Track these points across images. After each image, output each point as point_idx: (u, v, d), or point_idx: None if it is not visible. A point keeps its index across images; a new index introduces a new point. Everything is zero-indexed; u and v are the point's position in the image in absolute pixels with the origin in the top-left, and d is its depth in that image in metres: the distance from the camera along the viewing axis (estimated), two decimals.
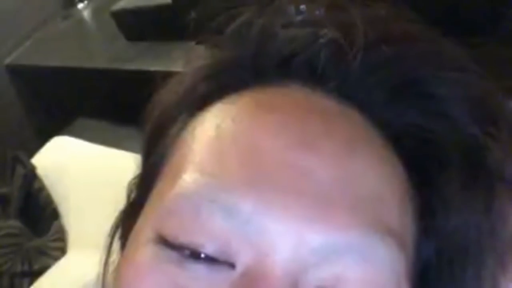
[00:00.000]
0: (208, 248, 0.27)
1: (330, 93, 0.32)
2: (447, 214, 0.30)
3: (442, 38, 0.33)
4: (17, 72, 2.20)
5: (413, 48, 0.32)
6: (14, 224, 1.20)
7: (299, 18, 0.34)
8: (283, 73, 0.33)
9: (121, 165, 1.24)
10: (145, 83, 1.25)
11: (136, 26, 1.40)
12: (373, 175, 0.29)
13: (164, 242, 0.28)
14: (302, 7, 0.34)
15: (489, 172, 0.30)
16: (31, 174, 1.24)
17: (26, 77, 2.18)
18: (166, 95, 0.39)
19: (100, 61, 1.61)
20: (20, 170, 1.24)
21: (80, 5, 2.32)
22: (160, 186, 0.33)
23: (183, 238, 0.28)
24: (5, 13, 2.25)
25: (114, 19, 1.49)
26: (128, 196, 0.41)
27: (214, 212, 0.27)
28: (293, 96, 0.32)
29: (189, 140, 0.33)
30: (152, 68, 1.26)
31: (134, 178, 0.41)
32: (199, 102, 0.35)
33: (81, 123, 1.49)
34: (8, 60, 2.22)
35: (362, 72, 0.31)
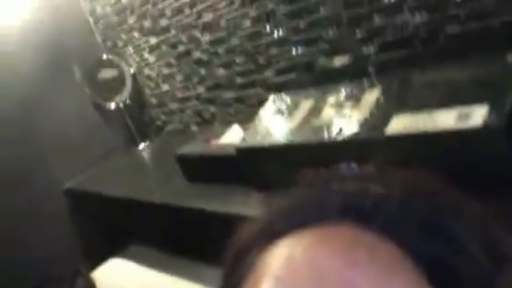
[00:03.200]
0: None
1: (375, 230, 0.42)
2: None
3: (461, 192, 0.44)
4: (75, 197, 2.38)
5: (437, 200, 0.43)
6: None
7: (351, 175, 0.47)
8: (339, 215, 0.44)
9: (168, 286, 1.36)
10: (201, 221, 1.42)
11: (199, 170, 1.57)
12: None
13: None
14: (354, 166, 0.49)
15: None
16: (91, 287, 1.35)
17: (84, 203, 2.34)
18: (244, 232, 0.50)
19: (157, 196, 1.75)
20: (80, 283, 1.35)
21: (141, 145, 2.54)
22: None
23: None
24: (71, 142, 2.50)
25: (178, 162, 1.67)
26: None
27: None
28: (346, 232, 0.42)
29: (268, 260, 0.43)
30: (209, 208, 1.41)
31: None
32: (274, 234, 0.45)
33: (134, 249, 1.61)
34: (67, 185, 2.41)
35: (400, 217, 0.42)
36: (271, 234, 0.45)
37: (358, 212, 0.42)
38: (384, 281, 0.38)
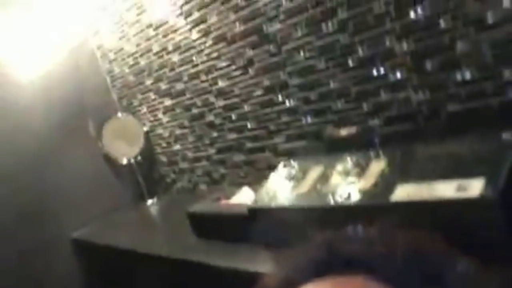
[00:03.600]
0: None
1: (381, 281, 0.48)
2: None
3: (456, 252, 0.51)
4: (81, 247, 2.44)
5: (434, 255, 0.50)
6: None
7: (356, 235, 0.54)
8: (345, 268, 0.50)
9: None
10: (208, 276, 1.48)
11: (210, 228, 1.64)
12: None
13: None
14: (360, 228, 0.56)
15: None
16: None
17: (90, 253, 2.40)
18: (268, 283, 0.56)
19: (166, 251, 1.82)
20: None
21: (150, 201, 2.62)
22: None
23: None
24: (82, 194, 2.58)
25: (189, 219, 1.74)
26: None
27: None
28: (357, 280, 0.49)
29: None
30: (217, 263, 1.47)
31: None
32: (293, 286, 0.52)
33: None
34: (75, 234, 2.48)
35: (403, 270, 0.48)
36: (291, 286, 0.51)
37: (366, 265, 0.48)
38: None
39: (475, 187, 0.92)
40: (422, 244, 0.51)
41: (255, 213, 1.38)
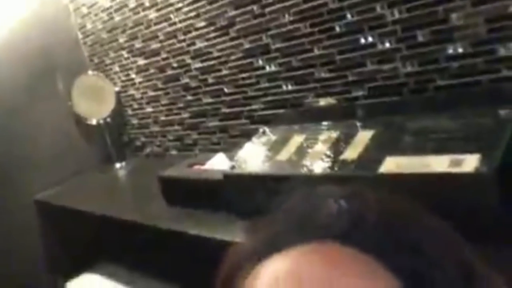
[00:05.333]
0: None
1: (354, 245, 0.45)
2: None
3: (434, 216, 0.48)
4: (45, 209, 2.35)
5: (412, 219, 0.47)
6: None
7: (331, 200, 0.49)
8: (320, 235, 0.47)
9: None
10: (177, 243, 1.42)
11: (182, 194, 1.57)
12: None
13: None
14: (334, 188, 0.51)
15: None
16: None
17: (53, 215, 2.31)
18: (234, 253, 0.52)
19: (132, 216, 1.74)
20: None
21: (118, 165, 2.54)
22: None
23: None
24: (47, 154, 2.48)
25: (160, 184, 1.67)
26: None
27: None
28: (326, 248, 0.45)
29: (255, 277, 0.46)
30: (186, 230, 1.41)
31: None
32: (260, 257, 0.48)
33: (105, 266, 1.60)
34: (39, 196, 2.38)
35: (376, 233, 0.45)
36: (258, 257, 0.48)
37: (337, 231, 0.45)
38: (363, 283, 0.42)
39: (470, 162, 0.87)
40: (399, 211, 0.48)
41: (231, 180, 1.31)
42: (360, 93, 1.51)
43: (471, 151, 0.89)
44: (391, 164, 0.97)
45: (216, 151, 1.88)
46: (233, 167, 1.32)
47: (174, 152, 2.40)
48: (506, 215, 0.82)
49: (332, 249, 0.45)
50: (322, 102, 1.61)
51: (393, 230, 0.45)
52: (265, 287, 0.44)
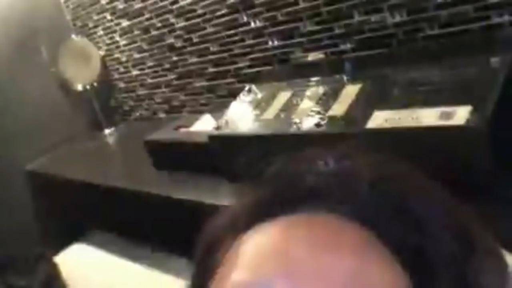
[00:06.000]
0: None
1: (345, 215, 0.42)
2: None
3: (428, 177, 0.44)
4: (36, 179, 2.31)
5: (407, 184, 0.43)
6: None
7: (320, 163, 0.46)
8: (309, 203, 0.43)
9: (133, 275, 1.34)
10: (168, 209, 1.39)
11: (168, 158, 1.54)
12: (379, 275, 0.38)
13: None
14: (323, 151, 0.47)
15: (469, 282, 0.40)
16: (55, 273, 1.31)
17: (46, 186, 2.28)
18: (216, 221, 0.50)
19: (122, 182, 1.71)
20: (44, 267, 1.31)
21: (107, 131, 2.49)
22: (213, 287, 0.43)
23: None
24: (36, 123, 2.43)
25: (147, 148, 1.63)
26: None
27: None
28: (314, 219, 0.42)
29: (237, 252, 0.43)
30: (176, 195, 1.38)
31: None
32: (244, 226, 0.45)
33: (97, 235, 1.58)
34: (29, 166, 2.34)
35: (369, 201, 0.42)
36: (240, 227, 0.45)
37: (327, 199, 0.42)
38: (356, 265, 0.38)
39: (460, 114, 0.83)
40: (393, 176, 0.44)
41: (216, 141, 1.27)
42: (348, 46, 1.46)
43: (462, 103, 0.85)
44: (379, 119, 0.93)
45: (204, 112, 1.84)
46: (218, 128, 1.28)
47: (162, 115, 2.35)
48: (499, 169, 0.79)
49: (321, 221, 0.42)
50: (310, 57, 1.56)
51: (388, 198, 0.42)
52: (246, 265, 0.40)
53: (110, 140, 2.43)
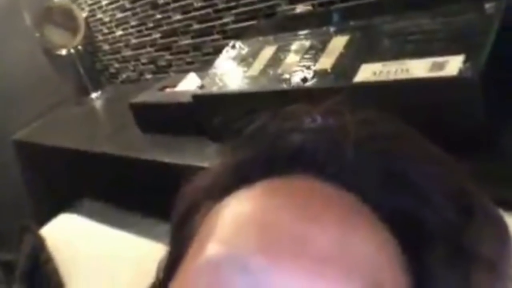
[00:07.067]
0: None
1: (329, 179, 0.38)
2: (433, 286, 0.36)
3: (423, 137, 0.40)
4: (23, 148, 2.27)
5: (398, 144, 0.39)
6: None
7: (305, 121, 0.42)
8: (291, 166, 0.40)
9: (122, 244, 1.31)
10: (156, 173, 1.35)
11: (154, 120, 1.49)
12: (367, 245, 0.35)
13: None
14: (308, 108, 0.43)
15: (466, 251, 0.36)
16: (40, 245, 1.28)
17: (33, 155, 2.23)
18: (194, 186, 0.46)
19: (110, 148, 1.67)
20: (29, 239, 1.28)
21: (94, 95, 2.43)
22: (187, 259, 0.39)
23: None
24: (21, 91, 2.36)
25: (132, 111, 1.58)
26: (157, 274, 0.47)
27: (235, 271, 0.33)
28: (297, 184, 0.39)
29: (213, 221, 0.39)
30: (163, 159, 1.34)
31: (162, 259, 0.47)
32: (222, 191, 0.41)
33: (85, 204, 1.54)
34: (16, 136, 2.29)
35: (355, 163, 0.38)
36: (218, 191, 0.42)
37: (310, 161, 0.39)
38: (341, 234, 0.34)
39: (452, 65, 0.78)
40: (379, 129, 0.40)
41: (200, 101, 1.22)
42: None
43: (454, 53, 0.80)
44: (367, 72, 0.88)
45: (190, 71, 1.78)
46: (202, 87, 1.23)
47: (149, 76, 2.29)
48: (492, 123, 0.75)
49: (303, 186, 0.38)
50: (297, 9, 1.50)
51: (377, 159, 0.38)
52: (225, 235, 0.36)
53: (97, 104, 2.38)
